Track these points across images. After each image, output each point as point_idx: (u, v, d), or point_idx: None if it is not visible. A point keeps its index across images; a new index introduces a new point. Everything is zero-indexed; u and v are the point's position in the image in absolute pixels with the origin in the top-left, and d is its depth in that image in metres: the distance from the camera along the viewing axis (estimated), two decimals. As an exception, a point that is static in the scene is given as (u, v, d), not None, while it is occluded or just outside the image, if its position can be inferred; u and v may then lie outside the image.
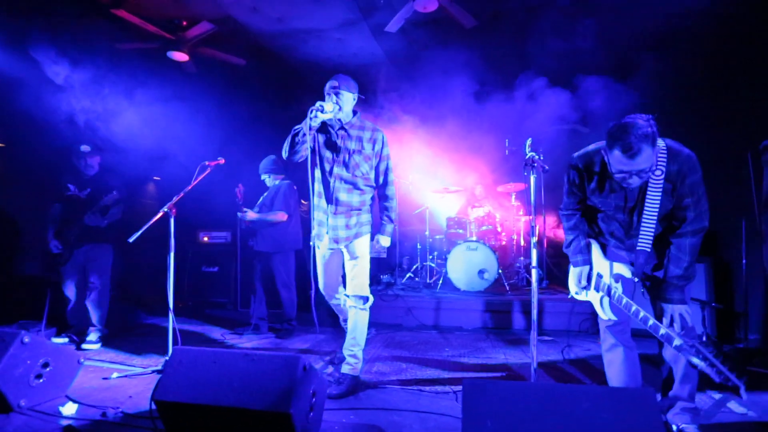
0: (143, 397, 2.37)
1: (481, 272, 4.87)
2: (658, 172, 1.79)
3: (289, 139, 2.44)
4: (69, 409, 2.16)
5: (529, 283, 5.18)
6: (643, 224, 1.85)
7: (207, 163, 3.30)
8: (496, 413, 1.43)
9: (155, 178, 6.45)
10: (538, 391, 1.45)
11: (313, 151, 2.54)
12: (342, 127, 2.55)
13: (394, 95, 5.71)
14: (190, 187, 3.07)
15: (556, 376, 2.81)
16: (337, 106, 2.45)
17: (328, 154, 2.56)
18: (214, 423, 1.72)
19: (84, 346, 3.35)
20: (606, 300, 2.01)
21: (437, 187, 5.70)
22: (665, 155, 1.80)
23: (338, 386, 2.44)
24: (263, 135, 5.97)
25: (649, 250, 1.87)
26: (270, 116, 6.23)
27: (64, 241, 3.51)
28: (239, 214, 3.77)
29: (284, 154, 2.49)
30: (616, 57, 4.52)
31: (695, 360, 1.63)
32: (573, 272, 2.21)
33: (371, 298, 2.63)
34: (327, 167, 2.57)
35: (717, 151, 3.78)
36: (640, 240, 1.86)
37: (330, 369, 2.94)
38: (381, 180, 2.67)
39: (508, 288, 4.90)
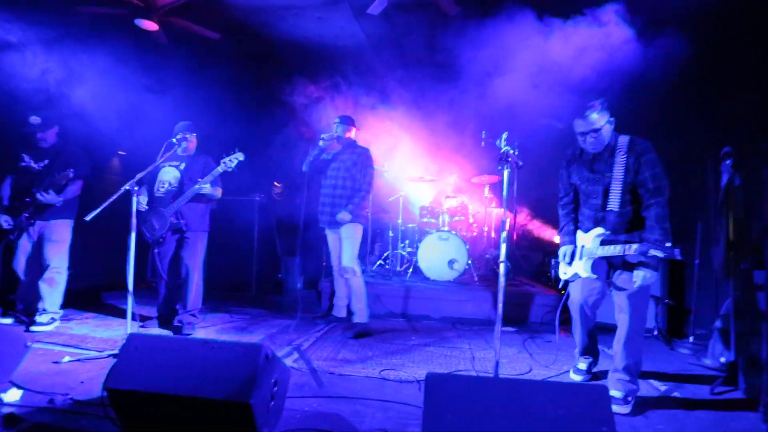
0: (96, 382, 2.27)
1: (451, 262, 4.93)
2: (622, 152, 2.30)
3: (308, 158, 3.68)
4: (12, 395, 2.04)
5: (497, 275, 5.29)
6: (611, 189, 2.31)
7: (174, 140, 3.16)
8: (456, 406, 1.45)
9: (120, 152, 6.14)
10: (497, 385, 1.48)
11: (324, 163, 3.72)
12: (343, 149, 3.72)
13: (373, 80, 5.61)
14: (153, 165, 2.94)
15: (518, 367, 2.90)
16: (336, 134, 3.65)
17: (331, 166, 3.70)
18: (170, 412, 1.67)
19: (33, 328, 3.17)
20: (589, 262, 2.41)
21: (413, 175, 5.69)
22: (627, 143, 2.32)
23: (353, 330, 3.48)
24: (235, 112, 5.76)
25: (617, 209, 2.31)
26: (243, 94, 6.00)
27: (16, 216, 3.28)
28: (197, 186, 3.22)
29: (304, 168, 3.70)
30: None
31: (651, 250, 2.08)
32: (560, 252, 2.62)
33: (358, 270, 3.59)
34: (330, 173, 3.68)
35: (680, 155, 3.94)
36: (609, 202, 2.32)
37: (295, 355, 2.91)
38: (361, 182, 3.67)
39: (476, 279, 4.99)
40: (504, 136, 2.24)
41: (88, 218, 2.57)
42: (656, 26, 3.61)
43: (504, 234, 2.08)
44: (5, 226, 3.26)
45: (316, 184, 3.88)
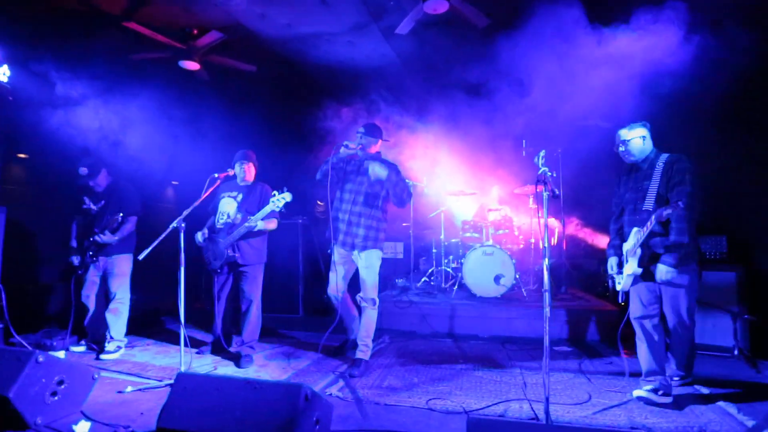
0: (154, 414, 2.36)
1: (497, 278, 4.74)
2: (660, 164, 2.61)
3: (324, 165, 3.22)
4: (82, 427, 2.19)
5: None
6: (648, 193, 2.60)
7: (216, 175, 3.31)
8: (502, 455, 1.36)
9: (173, 182, 6.58)
10: (547, 434, 1.37)
11: (342, 174, 3.32)
12: (363, 161, 3.28)
13: (407, 97, 5.60)
14: (199, 201, 3.09)
15: (574, 395, 2.69)
16: (360, 145, 3.22)
17: (351, 179, 3.29)
18: (217, 452, 1.71)
19: (102, 356, 3.43)
20: (635, 259, 2.60)
21: (453, 189, 5.59)
22: (667, 157, 2.63)
23: (356, 369, 3.09)
24: (280, 138, 5.99)
25: (651, 209, 2.55)
26: (286, 120, 6.23)
27: (82, 254, 3.59)
28: (248, 224, 3.26)
29: (318, 176, 3.25)
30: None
31: (663, 212, 2.34)
32: (608, 265, 2.88)
33: (377, 301, 3.27)
34: (348, 187, 3.27)
35: (755, 157, 3.56)
36: (645, 203, 2.60)
37: (341, 383, 2.90)
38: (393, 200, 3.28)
39: (525, 294, 4.77)
40: (542, 154, 2.12)
41: (141, 257, 2.74)
42: (717, 23, 3.30)
43: (545, 262, 1.95)
44: (75, 263, 3.60)
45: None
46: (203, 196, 3.13)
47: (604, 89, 4.53)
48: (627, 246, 2.66)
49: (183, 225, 2.88)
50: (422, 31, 4.40)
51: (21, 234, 4.26)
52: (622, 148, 2.72)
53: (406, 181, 3.21)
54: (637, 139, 2.66)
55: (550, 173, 1.98)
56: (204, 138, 5.61)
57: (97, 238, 3.49)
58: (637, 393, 2.55)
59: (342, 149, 3.14)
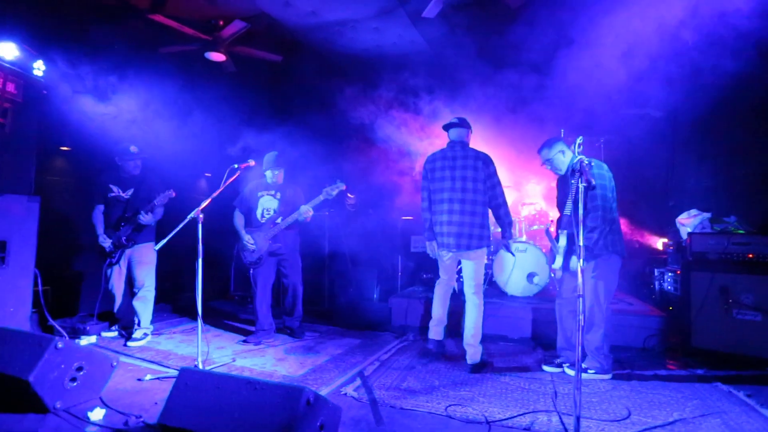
0: (167, 405, 2.38)
1: (530, 276, 4.47)
2: (576, 170, 2.58)
3: None
4: (97, 414, 2.21)
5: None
6: (568, 197, 2.80)
7: (236, 165, 3.27)
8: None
9: (206, 174, 6.70)
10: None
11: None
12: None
13: (436, 84, 5.37)
14: (218, 192, 3.05)
15: (611, 411, 2.43)
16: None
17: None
18: (215, 454, 1.64)
19: (129, 343, 3.51)
20: (559, 256, 3.01)
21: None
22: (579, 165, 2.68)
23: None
24: (302, 127, 5.93)
25: (569, 213, 2.86)
26: (309, 108, 6.16)
27: (115, 241, 3.67)
28: (301, 211, 3.58)
29: None
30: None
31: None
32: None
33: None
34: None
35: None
36: (566, 207, 2.85)
37: (357, 382, 2.79)
38: None
39: (560, 294, 4.45)
40: (578, 141, 1.88)
41: (157, 247, 2.74)
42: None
43: (580, 263, 1.72)
44: (108, 249, 3.65)
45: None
46: (222, 187, 3.09)
47: (655, 75, 4.11)
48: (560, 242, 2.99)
49: (201, 216, 2.85)
50: (452, 14, 4.16)
51: (62, 222, 4.45)
52: (548, 167, 2.99)
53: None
54: (558, 154, 2.92)
55: (587, 161, 1.74)
56: (235, 131, 5.67)
57: (140, 216, 3.55)
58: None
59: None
